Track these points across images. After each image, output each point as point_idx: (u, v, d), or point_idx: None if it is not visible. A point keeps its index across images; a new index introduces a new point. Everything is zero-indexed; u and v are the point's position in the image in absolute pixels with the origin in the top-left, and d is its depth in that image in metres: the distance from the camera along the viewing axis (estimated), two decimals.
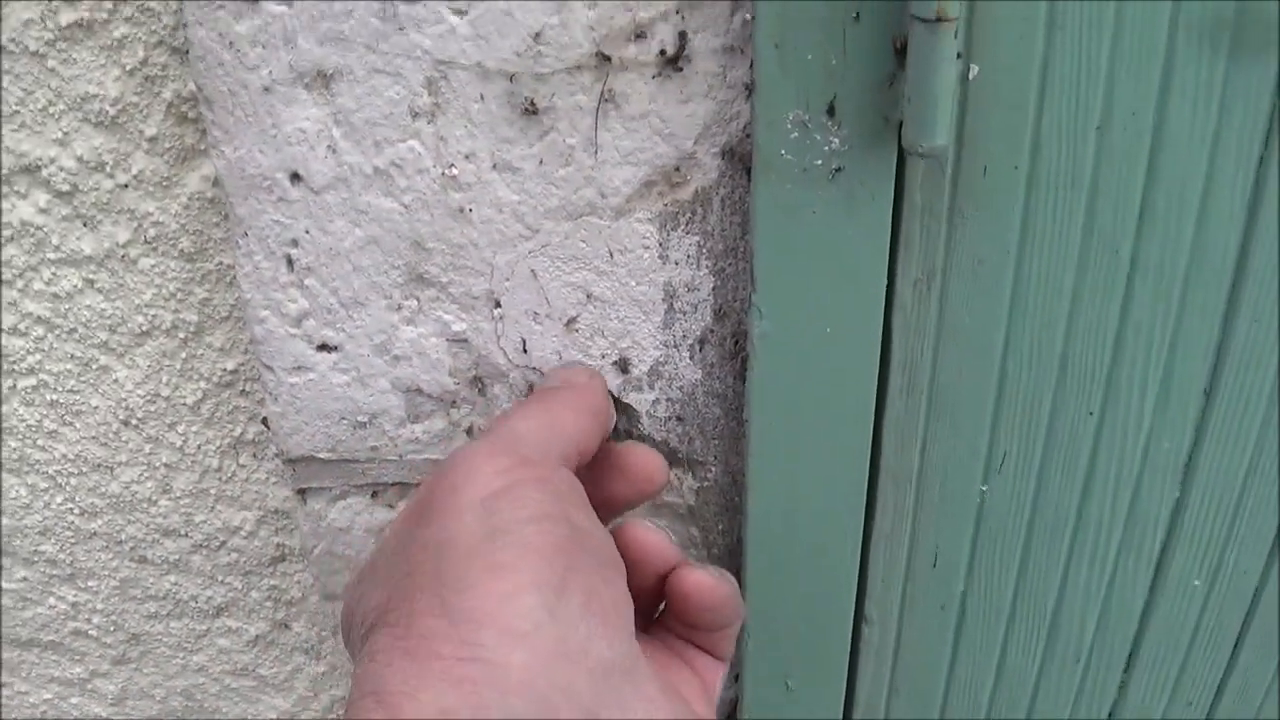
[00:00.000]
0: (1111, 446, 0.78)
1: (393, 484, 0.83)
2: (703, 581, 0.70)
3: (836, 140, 0.64)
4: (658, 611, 0.74)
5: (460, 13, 0.65)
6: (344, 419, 0.80)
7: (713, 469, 0.82)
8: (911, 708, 0.92)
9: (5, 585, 1.00)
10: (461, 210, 0.71)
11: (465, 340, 0.76)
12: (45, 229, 0.79)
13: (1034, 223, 0.69)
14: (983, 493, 0.80)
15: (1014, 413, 0.77)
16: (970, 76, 0.64)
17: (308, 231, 0.72)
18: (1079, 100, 0.65)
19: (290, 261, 0.73)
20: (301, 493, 0.84)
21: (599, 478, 0.73)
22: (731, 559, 0.86)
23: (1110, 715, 0.95)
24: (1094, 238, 0.70)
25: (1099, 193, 0.68)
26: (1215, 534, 0.83)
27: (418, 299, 0.75)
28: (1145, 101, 0.65)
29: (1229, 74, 0.65)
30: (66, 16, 0.71)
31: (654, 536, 0.70)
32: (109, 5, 0.70)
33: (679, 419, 0.80)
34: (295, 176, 0.70)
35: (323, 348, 0.77)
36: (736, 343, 0.76)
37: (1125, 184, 0.68)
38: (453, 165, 0.69)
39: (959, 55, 0.62)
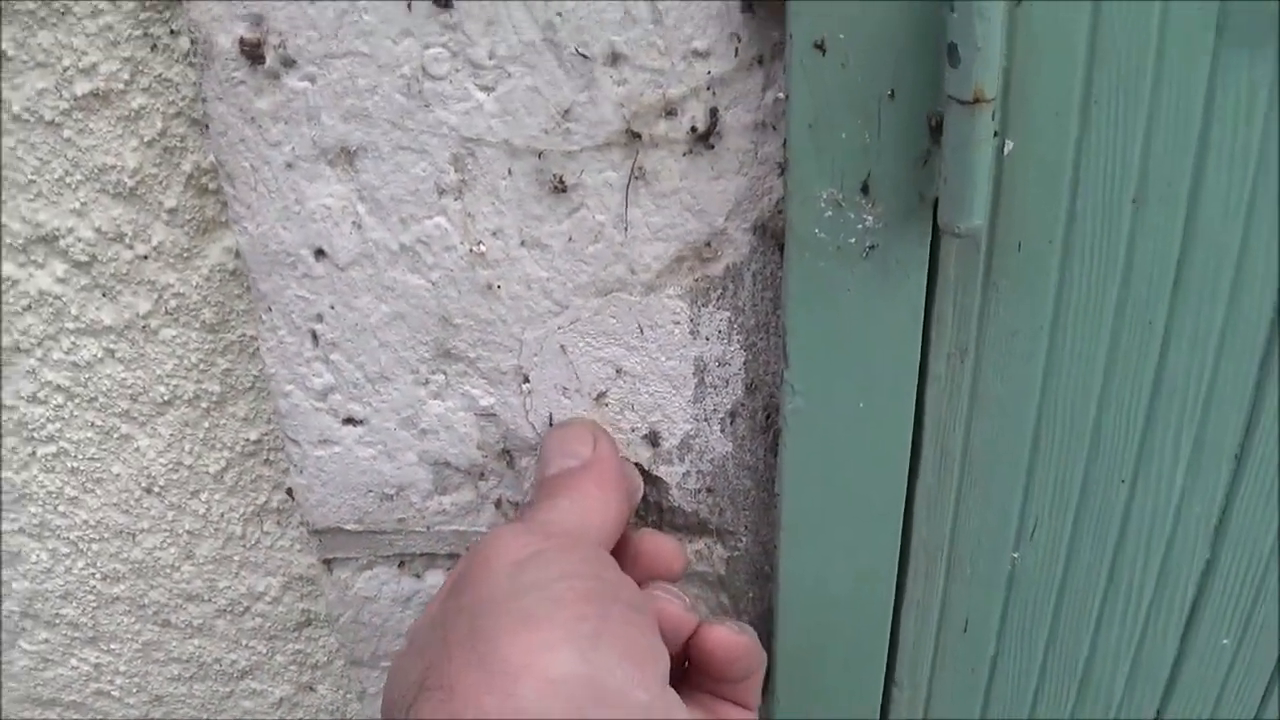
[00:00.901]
0: (1143, 512, 0.78)
1: (420, 554, 0.83)
2: (724, 637, 0.71)
3: (870, 218, 0.64)
4: (683, 670, 0.74)
5: (487, 89, 0.64)
6: (371, 491, 0.79)
7: (743, 539, 0.82)
8: None
9: (26, 647, 1.00)
10: (489, 286, 0.70)
11: (493, 414, 0.76)
12: (64, 298, 0.79)
13: (1068, 296, 0.68)
14: (1014, 560, 0.80)
15: (1046, 482, 0.76)
16: (1005, 152, 0.63)
17: (333, 307, 0.72)
18: (1114, 174, 0.64)
19: (315, 336, 0.73)
20: (328, 562, 0.84)
21: (618, 561, 0.73)
22: (762, 625, 0.85)
23: None
24: (1128, 309, 0.69)
25: (1133, 265, 0.68)
26: (1245, 593, 0.83)
27: (445, 374, 0.74)
28: (1180, 174, 0.65)
29: (1264, 145, 0.64)
30: (82, 86, 0.70)
31: (673, 606, 0.70)
32: (125, 76, 0.70)
33: (709, 490, 0.79)
34: (320, 252, 0.70)
35: (349, 421, 0.76)
36: (768, 416, 0.76)
37: (1160, 256, 0.67)
38: (480, 242, 0.69)
39: (995, 133, 0.61)
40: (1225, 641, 0.85)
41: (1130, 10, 0.59)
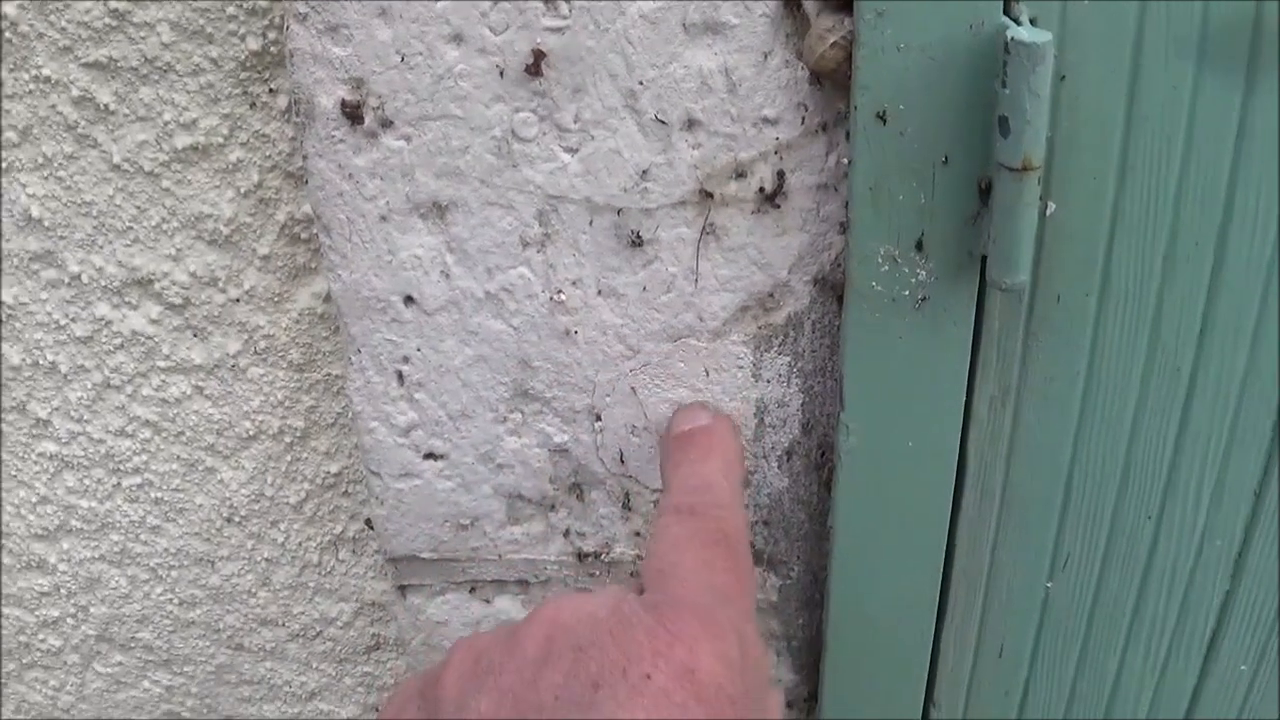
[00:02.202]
0: (1168, 545, 0.82)
1: (491, 580, 0.87)
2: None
3: (923, 273, 0.69)
4: None
5: (572, 151, 0.69)
6: (447, 521, 0.83)
7: (795, 568, 0.86)
8: None
9: (100, 669, 1.03)
10: (568, 332, 0.75)
11: (566, 450, 0.80)
12: (156, 338, 0.83)
13: (1102, 344, 0.73)
14: (1047, 589, 0.84)
15: (1079, 516, 0.81)
16: (1048, 213, 0.68)
17: (419, 350, 0.76)
18: (1147, 233, 0.69)
19: (401, 377, 0.77)
20: (402, 588, 0.88)
21: None
22: (810, 649, 0.90)
23: None
24: (1157, 357, 0.74)
25: (1163, 317, 0.72)
26: (1263, 622, 0.87)
27: (522, 412, 0.78)
28: (1208, 233, 0.70)
29: None
30: (182, 140, 0.74)
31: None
32: (224, 131, 0.74)
33: (765, 523, 0.84)
34: (409, 299, 0.74)
35: (429, 456, 0.80)
36: (822, 454, 0.81)
37: (1188, 309, 0.72)
38: (560, 291, 0.73)
39: (1040, 196, 0.66)
40: (1243, 667, 0.89)
41: (1164, 84, 0.64)
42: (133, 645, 1.01)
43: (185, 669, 1.03)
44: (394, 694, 0.62)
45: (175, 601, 0.98)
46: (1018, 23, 0.61)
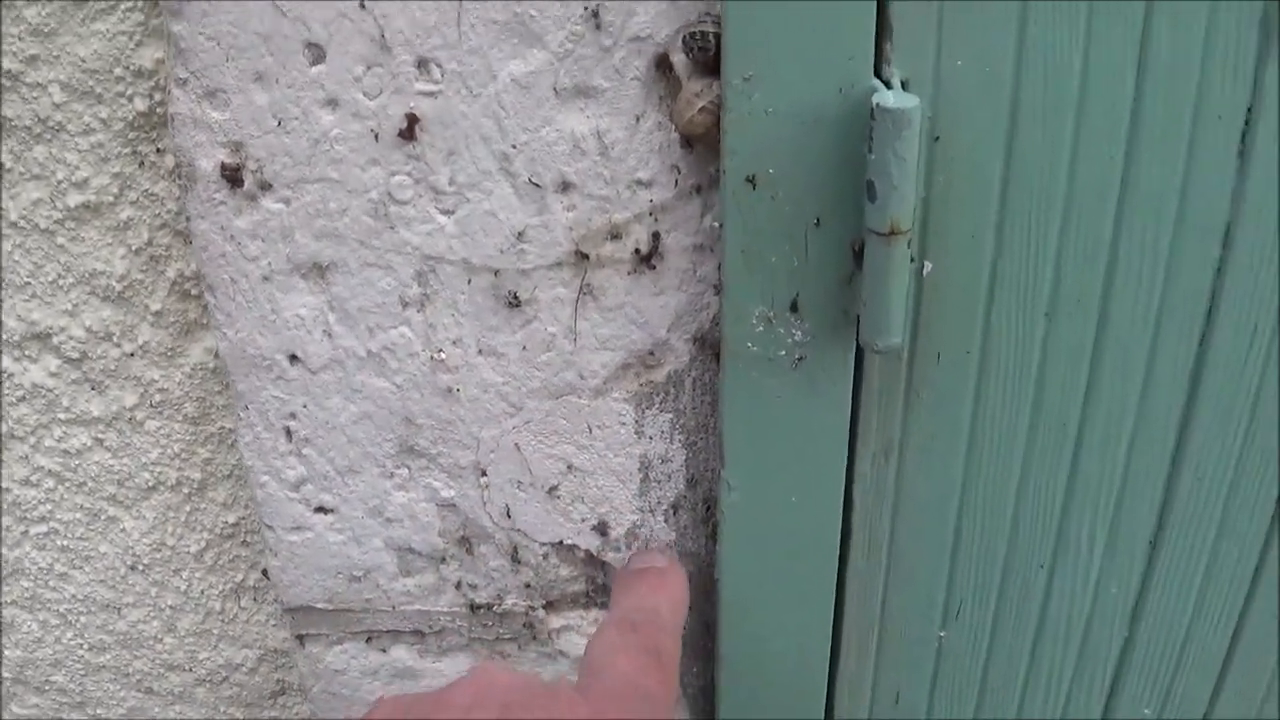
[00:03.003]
0: (1063, 594, 0.83)
1: (386, 631, 0.87)
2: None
3: (799, 333, 0.69)
4: None
5: (448, 213, 0.69)
6: (340, 573, 0.84)
7: (687, 619, 0.85)
8: None
9: (18, 710, 1.03)
10: (450, 390, 0.75)
11: (454, 505, 0.80)
12: (56, 391, 0.83)
13: (985, 401, 0.73)
14: (941, 638, 0.84)
15: (969, 567, 0.81)
16: (924, 273, 0.68)
17: (305, 406, 0.76)
18: (1028, 290, 0.69)
19: (289, 433, 0.77)
20: (300, 637, 0.88)
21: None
22: (704, 699, 0.90)
23: None
24: (1042, 413, 0.74)
25: (1047, 373, 0.72)
26: (1164, 667, 0.87)
27: (409, 468, 0.79)
28: (1092, 288, 0.70)
29: (1171, 260, 0.69)
30: (75, 198, 0.74)
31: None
32: (115, 190, 0.74)
33: None
34: (293, 357, 0.74)
35: (320, 510, 0.81)
36: (708, 508, 0.81)
37: (1072, 364, 0.72)
38: (441, 350, 0.74)
39: (913, 259, 0.66)
40: (1147, 711, 0.90)
41: (1043, 138, 0.65)
42: (47, 688, 1.01)
43: (98, 711, 1.03)
44: None
45: (85, 646, 0.98)
46: (888, 85, 0.61)
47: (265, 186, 0.69)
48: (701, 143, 0.67)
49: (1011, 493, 0.77)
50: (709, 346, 0.74)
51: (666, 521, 0.81)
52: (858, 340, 0.69)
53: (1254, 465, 0.78)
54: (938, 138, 0.64)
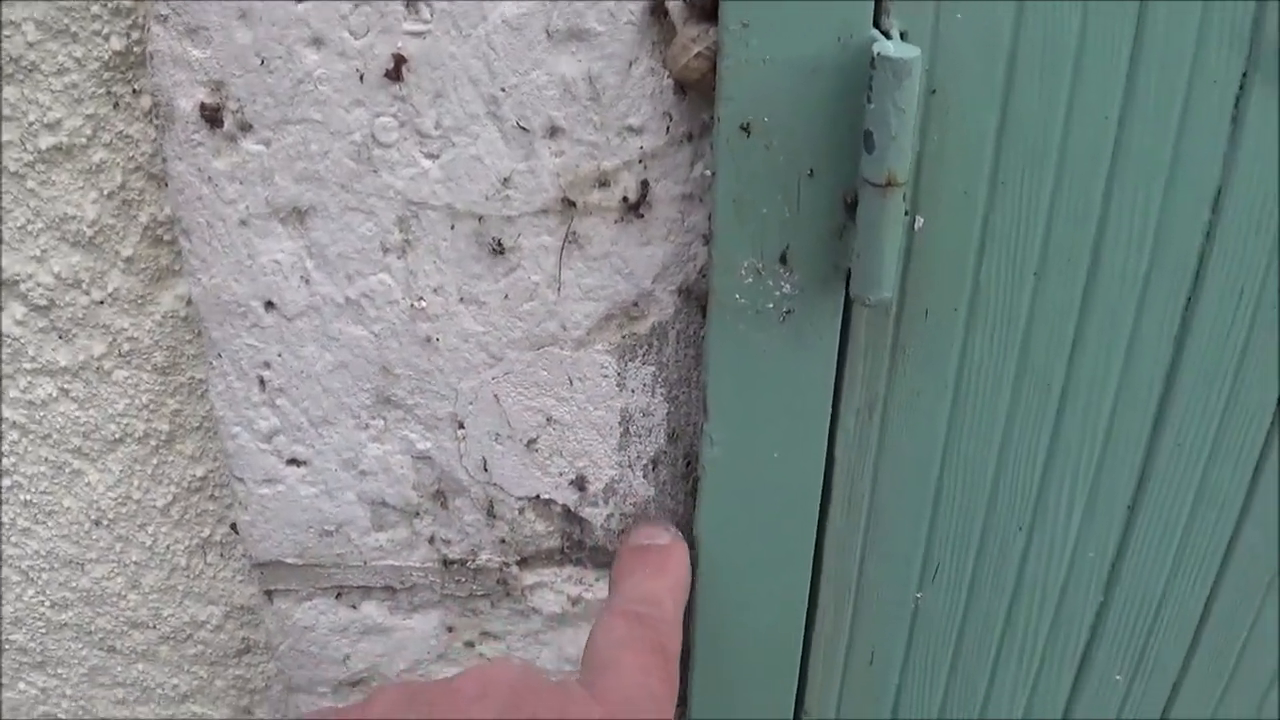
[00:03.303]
0: (1040, 557, 0.82)
1: (357, 587, 0.86)
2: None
3: (788, 286, 0.68)
4: None
5: (433, 157, 0.68)
6: (311, 527, 0.82)
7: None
8: None
9: None
10: (429, 339, 0.74)
11: (429, 458, 0.79)
12: (22, 340, 0.81)
13: (971, 359, 0.73)
14: (918, 599, 0.84)
15: (948, 528, 0.81)
16: (916, 227, 0.68)
17: (280, 355, 0.75)
18: (1018, 248, 0.69)
19: (262, 382, 0.76)
20: (269, 593, 0.86)
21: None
22: (679, 657, 0.88)
23: None
24: (1027, 373, 0.74)
25: (1033, 332, 0.72)
26: (1137, 633, 0.87)
27: (384, 419, 0.77)
28: (1081, 248, 0.70)
29: (1160, 223, 0.69)
30: (46, 140, 0.73)
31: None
32: (88, 132, 0.73)
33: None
34: (269, 304, 0.73)
35: (292, 462, 0.79)
36: (688, 463, 0.80)
37: (1059, 324, 0.72)
38: (421, 298, 0.72)
39: (906, 211, 0.65)
40: (1118, 678, 0.90)
41: (1038, 96, 0.64)
42: (6, 647, 0.99)
43: (59, 671, 1.01)
44: None
45: (47, 604, 0.96)
46: (887, 36, 0.60)
47: (245, 127, 0.67)
48: (696, 89, 0.66)
49: (994, 452, 0.77)
50: (694, 298, 0.73)
51: (646, 477, 0.80)
52: (846, 295, 0.68)
53: (1234, 431, 0.78)
54: (934, 91, 0.64)
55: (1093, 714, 0.93)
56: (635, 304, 0.73)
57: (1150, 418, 0.77)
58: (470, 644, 0.88)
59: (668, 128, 0.67)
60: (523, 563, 0.84)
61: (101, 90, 0.72)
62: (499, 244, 0.71)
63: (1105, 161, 0.67)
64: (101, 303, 0.80)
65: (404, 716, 0.59)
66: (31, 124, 0.72)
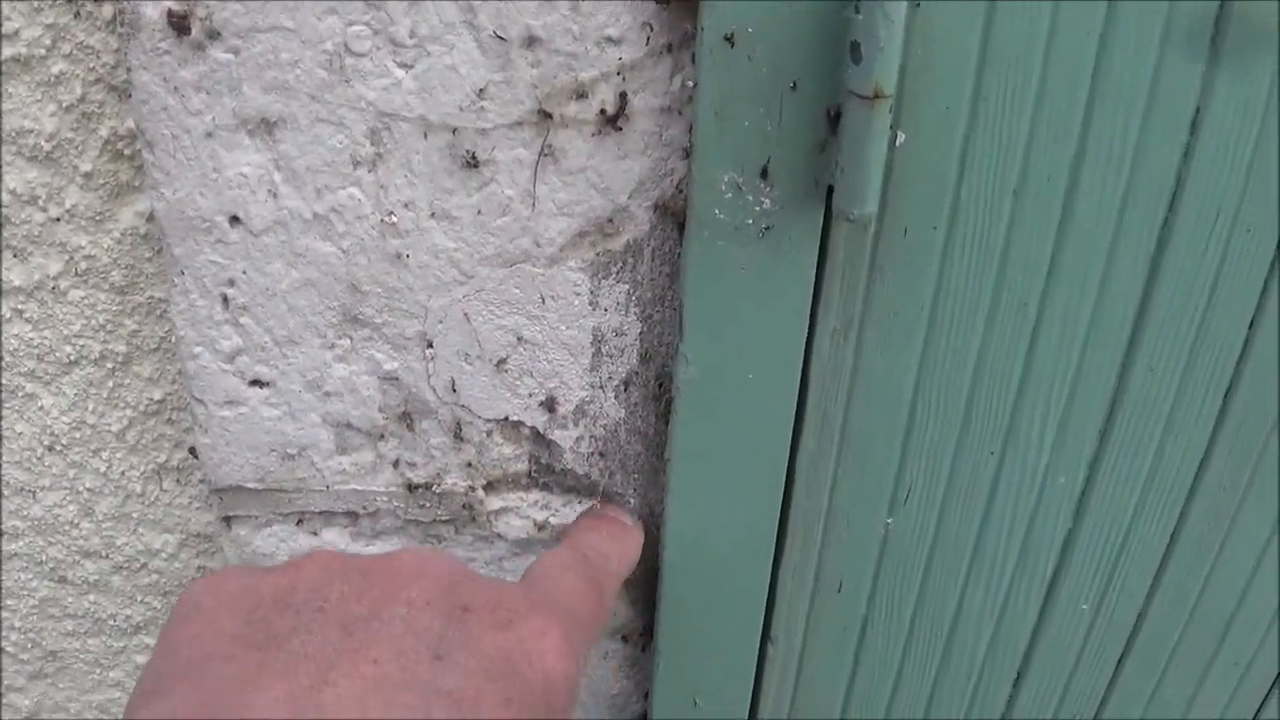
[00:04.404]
0: (1010, 483, 0.82)
1: (319, 512, 0.85)
2: None
3: (768, 201, 0.67)
4: None
5: (406, 66, 0.66)
6: (273, 451, 0.81)
7: (631, 500, 0.84)
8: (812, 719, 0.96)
9: None
10: (399, 256, 0.73)
11: (396, 379, 0.78)
12: None
13: (948, 279, 0.72)
14: (887, 525, 0.84)
15: (920, 452, 0.80)
16: (897, 144, 0.67)
17: (245, 272, 0.73)
18: (998, 167, 0.68)
19: (226, 300, 0.74)
20: (227, 520, 0.85)
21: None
22: (646, 584, 0.88)
23: None
24: (1004, 294, 0.73)
25: (1011, 253, 0.72)
26: (1104, 562, 0.88)
27: (351, 338, 0.76)
28: (1060, 168, 0.69)
29: (1139, 146, 0.69)
30: (4, 51, 0.71)
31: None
32: (47, 42, 0.71)
33: (601, 454, 0.82)
34: (235, 219, 0.71)
35: (255, 383, 0.78)
36: (660, 385, 0.79)
37: (1037, 245, 0.72)
38: (392, 213, 0.71)
39: (890, 126, 0.65)
40: (1084, 607, 0.90)
41: (1021, 13, 0.63)
42: None
43: (8, 603, 0.99)
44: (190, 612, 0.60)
45: None
46: None
47: (214, 35, 0.65)
48: None
49: (968, 375, 0.77)
50: (671, 215, 0.72)
51: (617, 398, 0.79)
52: (827, 210, 0.68)
53: (1206, 356, 0.78)
54: (918, 3, 0.63)
55: (1058, 643, 0.93)
56: (610, 220, 0.72)
57: (1124, 342, 0.77)
58: (458, 559, 0.88)
59: (648, 38, 0.66)
60: (489, 487, 0.84)
61: None
62: (472, 157, 0.69)
63: (1086, 79, 0.67)
64: (58, 220, 0.78)
65: (337, 583, 0.59)
66: None
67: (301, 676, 0.53)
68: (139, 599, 1.00)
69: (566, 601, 0.65)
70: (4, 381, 0.85)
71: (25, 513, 0.93)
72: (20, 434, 0.88)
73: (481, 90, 0.67)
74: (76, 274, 0.80)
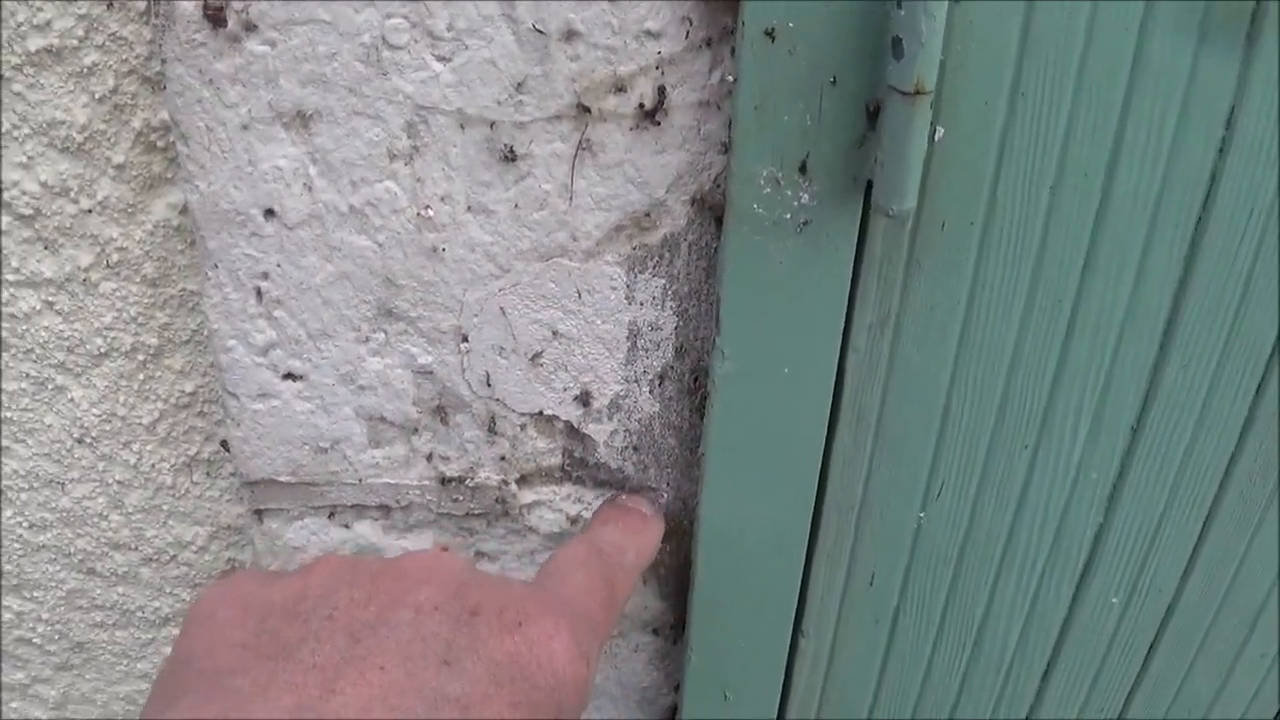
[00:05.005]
0: (1043, 477, 0.82)
1: (351, 505, 0.85)
2: None
3: (806, 196, 0.67)
4: None
5: (444, 60, 0.66)
6: (306, 444, 0.81)
7: (665, 494, 0.84)
8: (842, 712, 0.96)
9: None
10: (434, 249, 0.72)
11: (431, 372, 0.78)
12: (5, 250, 0.79)
13: (985, 274, 0.72)
14: (920, 519, 0.84)
15: (954, 446, 0.80)
16: (936, 139, 0.67)
17: (279, 265, 0.73)
18: (1035, 162, 0.68)
19: (260, 294, 0.74)
20: (258, 513, 0.85)
21: None
22: (679, 576, 0.88)
23: (1028, 718, 0.99)
24: (1039, 289, 0.73)
25: (1047, 248, 0.71)
26: (1134, 556, 0.87)
27: (385, 332, 0.76)
28: (1097, 163, 0.69)
29: (1175, 144, 0.68)
30: (35, 42, 0.70)
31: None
32: (80, 33, 0.70)
33: (635, 448, 0.82)
34: (269, 212, 0.71)
35: (288, 376, 0.78)
36: (695, 379, 0.79)
37: (1072, 240, 0.71)
38: (428, 206, 0.71)
39: (930, 122, 0.65)
40: (1114, 600, 0.90)
41: (1060, 10, 0.63)
42: None
43: (36, 594, 0.99)
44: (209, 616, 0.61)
45: (25, 525, 0.95)
46: None
47: (250, 28, 0.65)
48: None
49: (1003, 370, 0.77)
50: (708, 209, 0.72)
51: (652, 393, 0.79)
52: (865, 205, 0.68)
53: (1238, 353, 0.78)
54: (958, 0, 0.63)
55: (1088, 635, 0.93)
56: (647, 214, 0.72)
57: (1158, 338, 0.77)
58: (470, 560, 0.87)
59: (687, 32, 0.66)
60: (522, 480, 0.84)
61: None
62: (510, 151, 0.69)
63: (1124, 75, 0.66)
64: (90, 211, 0.78)
65: (345, 589, 0.60)
66: (20, 25, 0.70)
67: (310, 687, 0.53)
68: (168, 591, 1.00)
69: (577, 600, 0.65)
70: (33, 374, 0.85)
71: (54, 505, 0.93)
72: (50, 426, 0.88)
73: (520, 84, 0.67)
74: (108, 266, 0.80)
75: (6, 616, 1.01)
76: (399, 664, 0.54)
